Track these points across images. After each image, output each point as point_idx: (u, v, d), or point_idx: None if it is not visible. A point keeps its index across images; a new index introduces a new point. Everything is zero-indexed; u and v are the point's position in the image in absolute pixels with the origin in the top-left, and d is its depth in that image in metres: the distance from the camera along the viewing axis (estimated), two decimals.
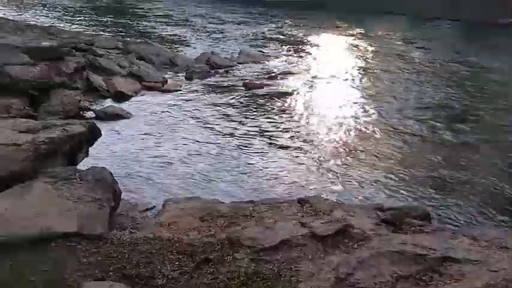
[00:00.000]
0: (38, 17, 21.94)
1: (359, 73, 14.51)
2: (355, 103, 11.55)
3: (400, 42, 19.94)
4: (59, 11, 23.93)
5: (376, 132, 9.66)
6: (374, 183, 7.33)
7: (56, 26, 17.69)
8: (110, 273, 3.94)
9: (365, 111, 10.97)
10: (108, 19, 22.84)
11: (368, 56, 17.01)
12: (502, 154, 8.72)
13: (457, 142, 9.23)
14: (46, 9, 24.70)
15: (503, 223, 6.33)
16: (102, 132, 6.91)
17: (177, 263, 4.15)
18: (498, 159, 8.45)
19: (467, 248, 4.45)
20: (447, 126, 10.02)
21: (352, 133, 9.54)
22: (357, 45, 18.87)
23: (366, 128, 9.87)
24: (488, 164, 8.29)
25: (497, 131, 9.98)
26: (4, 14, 20.83)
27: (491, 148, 9.01)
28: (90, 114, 9.84)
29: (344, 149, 8.71)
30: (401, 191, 7.13)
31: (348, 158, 8.29)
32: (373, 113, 10.81)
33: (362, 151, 8.62)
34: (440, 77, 14.42)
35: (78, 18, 22.23)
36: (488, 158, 8.56)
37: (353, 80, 13.82)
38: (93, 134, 6.59)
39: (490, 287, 3.52)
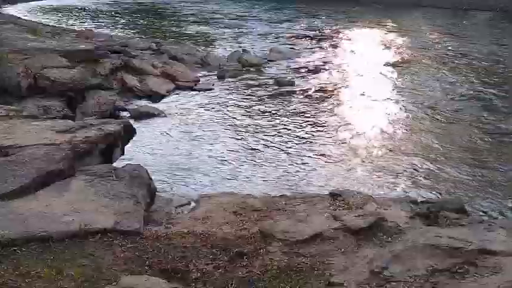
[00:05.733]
0: (74, 21, 22.48)
1: (393, 67, 14.30)
2: (388, 97, 11.43)
3: (435, 35, 19.56)
4: (93, 16, 24.43)
5: (410, 125, 9.55)
6: (408, 177, 7.26)
7: (91, 30, 18.06)
8: (146, 267, 4.02)
9: (399, 105, 10.85)
10: (140, 21, 23.18)
11: (402, 50, 16.74)
12: None
13: (493, 134, 9.04)
14: (81, 14, 25.26)
15: None
16: (137, 131, 7.07)
17: (211, 256, 4.20)
18: None
19: (504, 240, 4.35)
20: (483, 119, 9.82)
21: (385, 127, 9.44)
22: (391, 39, 18.59)
23: (399, 121, 9.78)
24: None
25: None
26: (42, 19, 21.42)
27: None
28: (125, 114, 10.04)
29: (377, 142, 8.64)
30: (437, 184, 7.03)
31: (381, 151, 8.23)
32: (407, 107, 10.68)
33: (395, 145, 8.55)
34: (476, 69, 14.11)
35: (112, 22, 22.64)
36: None
37: (386, 74, 13.63)
38: (128, 133, 6.74)
39: None
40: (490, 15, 24.55)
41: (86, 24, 21.57)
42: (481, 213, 6.12)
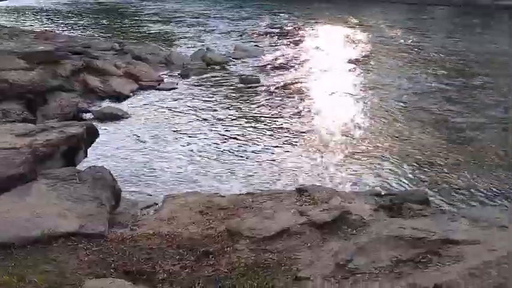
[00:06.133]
0: (33, 22, 21.95)
1: (355, 63, 14.50)
2: (351, 93, 11.59)
3: (395, 30, 19.92)
4: (53, 16, 23.91)
5: (373, 120, 9.71)
6: (372, 170, 7.38)
7: (51, 31, 17.67)
8: (112, 270, 3.96)
9: (362, 100, 11.03)
10: (101, 21, 22.83)
11: (363, 46, 16.99)
12: (498, 135, 8.80)
13: (453, 126, 9.31)
14: (41, 14, 24.69)
15: (502, 203, 6.36)
16: (100, 133, 6.96)
17: (178, 257, 4.17)
18: (494, 140, 8.52)
19: (466, 229, 4.46)
20: (443, 111, 10.08)
21: (349, 122, 9.57)
22: (352, 35, 18.84)
23: (362, 116, 9.93)
24: (485, 145, 8.34)
25: (492, 111, 10.07)
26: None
27: (488, 129, 9.07)
28: (88, 115, 9.87)
29: (341, 137, 8.74)
30: (400, 177, 7.17)
31: (345, 146, 8.33)
32: (370, 102, 10.87)
33: (359, 139, 8.67)
34: (435, 62, 14.47)
35: (72, 22, 22.22)
36: (484, 139, 8.60)
37: (349, 70, 13.83)
38: (91, 135, 6.64)
39: (487, 265, 3.54)
40: (446, 10, 25.17)
41: (46, 25, 21.09)
42: (444, 203, 6.28)
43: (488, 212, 5.35)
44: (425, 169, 7.45)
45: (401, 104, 10.66)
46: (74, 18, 23.35)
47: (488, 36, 18.29)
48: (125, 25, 21.61)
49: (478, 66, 14.03)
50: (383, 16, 23.52)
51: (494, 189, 6.75)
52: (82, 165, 6.09)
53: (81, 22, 22.42)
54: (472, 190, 6.78)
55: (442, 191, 6.71)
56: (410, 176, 7.23)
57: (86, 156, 6.47)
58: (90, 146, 6.61)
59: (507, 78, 12.62)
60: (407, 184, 6.95)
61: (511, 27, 20.38)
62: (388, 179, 7.11)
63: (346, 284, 3.66)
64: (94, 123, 7.43)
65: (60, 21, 22.37)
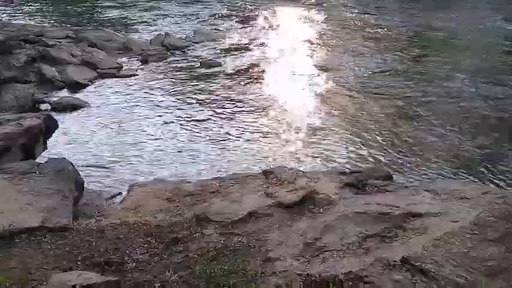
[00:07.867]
0: None
1: (314, 44, 14.55)
2: (312, 73, 11.64)
3: (352, 11, 20.03)
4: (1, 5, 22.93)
5: (335, 100, 9.80)
6: (337, 150, 7.46)
7: (1, 19, 17.01)
8: (78, 262, 3.88)
9: (322, 80, 11.10)
10: (52, 8, 22.04)
11: (321, 27, 17.05)
12: (455, 110, 9.04)
13: (412, 103, 9.49)
14: None
15: (461, 175, 6.56)
16: (59, 124, 6.78)
17: (146, 245, 4.12)
18: (452, 116, 8.76)
19: (428, 202, 4.57)
20: (403, 90, 10.26)
21: (311, 102, 9.64)
22: (310, 16, 18.86)
23: (324, 96, 9.99)
24: (443, 121, 8.55)
25: (450, 87, 10.30)
26: None
27: (445, 106, 9.30)
28: (45, 106, 9.60)
29: (305, 118, 8.79)
30: (364, 155, 7.28)
31: (309, 127, 8.39)
32: (331, 82, 10.94)
33: (322, 119, 8.74)
34: (392, 42, 14.65)
35: (23, 10, 21.38)
36: (442, 115, 8.82)
37: (309, 51, 13.87)
38: (50, 126, 6.45)
39: (449, 235, 3.64)
40: None
41: None
42: (407, 178, 6.42)
43: (449, 184, 5.48)
44: (388, 146, 7.60)
45: (364, 83, 10.79)
46: (23, 6, 22.46)
47: (444, 15, 18.61)
48: (76, 12, 20.93)
49: (430, 44, 14.31)
50: None
51: (453, 162, 6.95)
52: (42, 158, 5.92)
53: (30, 9, 21.59)
54: (431, 164, 6.96)
55: (405, 166, 6.86)
56: (373, 153, 7.35)
57: (45, 148, 6.30)
58: (49, 138, 6.43)
59: (458, 54, 12.97)
60: (371, 161, 7.06)
61: (469, 7, 20.79)
62: (351, 156, 7.22)
63: (315, 262, 3.70)
64: (52, 114, 7.23)
65: (9, 9, 21.49)
